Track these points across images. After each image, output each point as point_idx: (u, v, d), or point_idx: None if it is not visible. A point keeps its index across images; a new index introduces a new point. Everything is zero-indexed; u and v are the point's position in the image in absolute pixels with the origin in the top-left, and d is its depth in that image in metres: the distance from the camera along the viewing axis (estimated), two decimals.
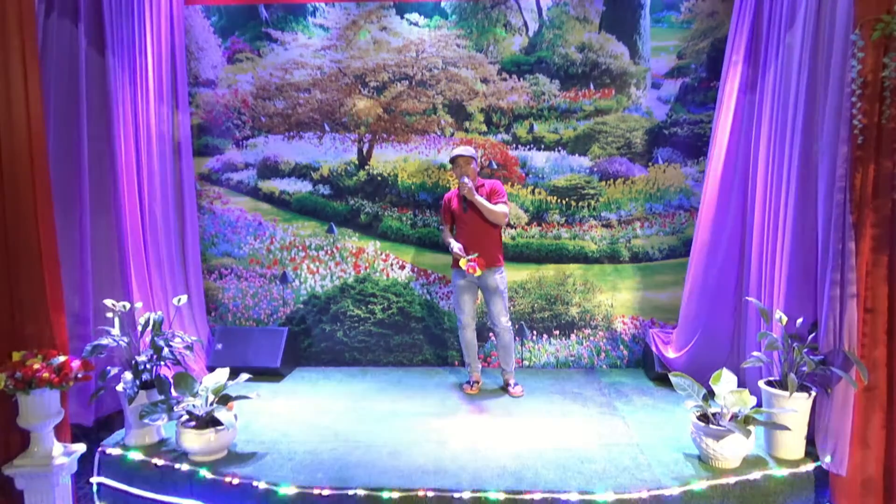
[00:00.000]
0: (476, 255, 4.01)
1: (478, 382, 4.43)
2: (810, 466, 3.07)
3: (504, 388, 4.38)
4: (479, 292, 4.35)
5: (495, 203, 4.10)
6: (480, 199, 4.05)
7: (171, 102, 4.49)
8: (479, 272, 3.99)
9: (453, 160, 4.18)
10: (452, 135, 4.94)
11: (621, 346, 4.96)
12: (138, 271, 3.92)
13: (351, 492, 2.95)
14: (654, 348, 4.55)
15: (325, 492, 2.96)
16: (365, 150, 5.01)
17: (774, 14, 3.63)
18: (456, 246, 4.12)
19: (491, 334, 4.90)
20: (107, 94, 3.76)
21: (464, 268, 3.99)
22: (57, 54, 3.43)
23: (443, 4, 4.83)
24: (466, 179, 4.05)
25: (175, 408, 3.21)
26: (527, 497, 2.88)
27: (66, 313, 3.26)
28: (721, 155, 4.07)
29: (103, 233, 3.73)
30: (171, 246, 4.41)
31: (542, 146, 4.91)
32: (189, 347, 3.58)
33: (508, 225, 4.91)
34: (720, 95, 4.22)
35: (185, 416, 3.26)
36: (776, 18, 3.61)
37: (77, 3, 3.57)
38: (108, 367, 3.35)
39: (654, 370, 4.52)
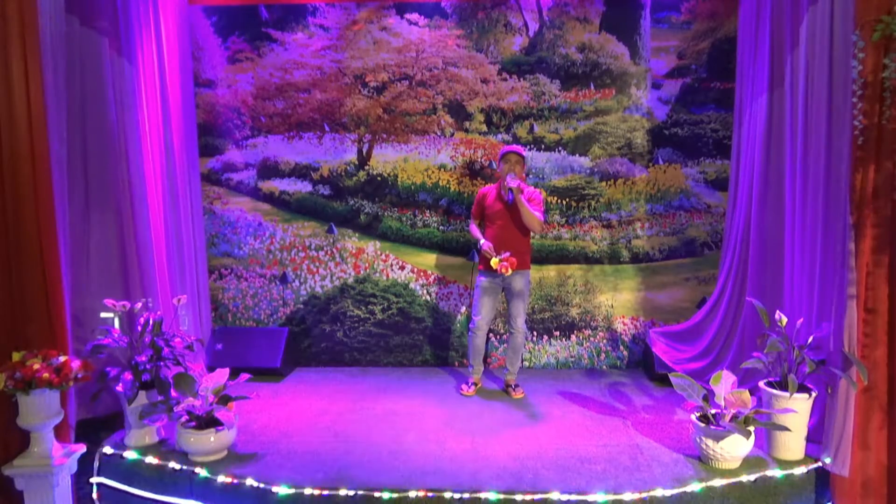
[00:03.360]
0: (508, 253, 3.95)
1: (476, 385, 4.41)
2: (810, 467, 3.07)
3: (505, 390, 4.37)
4: (502, 295, 4.30)
5: (533, 210, 4.05)
6: (524, 202, 3.99)
7: (180, 101, 4.49)
8: (510, 272, 3.95)
9: (504, 156, 4.11)
10: (452, 135, 4.93)
11: (621, 347, 4.96)
12: (147, 271, 3.93)
13: (351, 492, 2.95)
14: (655, 349, 4.54)
15: (325, 492, 2.96)
16: (365, 151, 5.01)
17: (784, 11, 3.64)
18: (486, 244, 4.06)
19: (491, 335, 4.90)
20: (119, 93, 3.76)
21: (495, 267, 3.92)
22: (68, 52, 3.39)
23: (443, 4, 4.83)
24: (515, 175, 4.00)
25: (175, 408, 3.21)
26: (527, 497, 2.88)
27: (69, 313, 3.26)
28: (748, 158, 4.10)
29: (115, 232, 3.72)
30: (182, 245, 4.41)
31: (543, 146, 4.90)
32: (189, 347, 3.58)
33: None
34: (738, 96, 4.26)
35: (185, 417, 3.26)
36: (787, 16, 3.62)
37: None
38: (108, 368, 3.35)
39: (654, 370, 4.52)
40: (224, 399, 3.33)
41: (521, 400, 4.21)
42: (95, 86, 3.61)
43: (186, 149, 4.57)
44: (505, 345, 4.84)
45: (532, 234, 4.27)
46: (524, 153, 4.17)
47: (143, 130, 3.91)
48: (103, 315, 3.40)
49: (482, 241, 4.12)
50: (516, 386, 4.33)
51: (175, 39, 4.44)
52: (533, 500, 2.88)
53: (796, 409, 3.08)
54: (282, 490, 2.99)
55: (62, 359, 2.97)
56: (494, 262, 3.93)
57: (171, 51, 4.37)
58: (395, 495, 2.93)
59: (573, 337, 4.98)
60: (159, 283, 3.97)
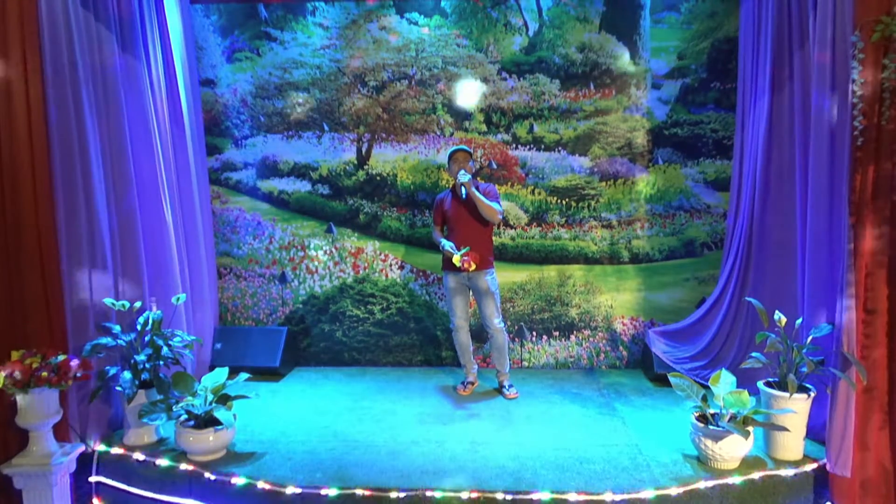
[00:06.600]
0: (468, 248, 3.97)
1: (472, 384, 4.42)
2: (809, 467, 3.08)
3: (498, 391, 4.37)
4: (471, 294, 4.33)
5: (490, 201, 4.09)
6: (477, 193, 4.03)
7: (188, 99, 4.48)
8: (473, 266, 3.96)
9: (451, 155, 4.19)
10: (452, 134, 4.93)
11: (621, 347, 4.96)
12: (151, 269, 3.94)
13: (350, 491, 2.95)
14: (654, 349, 4.54)
15: (324, 491, 2.96)
16: (364, 150, 5.01)
17: (786, 11, 3.64)
18: (448, 244, 4.08)
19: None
20: (126, 89, 3.76)
21: (458, 264, 3.94)
22: (75, 48, 3.37)
23: (443, 4, 4.82)
24: (465, 172, 4.04)
25: (174, 407, 3.21)
26: (526, 497, 2.88)
27: (69, 312, 3.25)
28: (751, 158, 4.09)
29: (120, 230, 3.71)
30: (190, 244, 4.42)
31: (543, 146, 4.90)
32: (189, 346, 3.58)
33: (508, 225, 4.91)
34: (740, 97, 4.26)
35: (185, 416, 3.26)
36: (789, 16, 3.62)
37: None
38: (108, 367, 3.35)
39: (653, 371, 4.52)
40: (223, 398, 3.33)
41: (520, 400, 4.21)
42: (102, 82, 3.60)
43: (194, 146, 4.56)
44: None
45: (494, 227, 4.37)
46: (470, 149, 4.22)
47: (151, 128, 3.91)
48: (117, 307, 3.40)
49: (443, 242, 4.13)
50: (510, 386, 4.31)
51: (180, 38, 4.44)
52: (532, 500, 2.88)
53: (795, 410, 3.08)
54: (281, 489, 2.99)
55: (61, 358, 2.97)
56: (456, 258, 3.96)
57: (178, 49, 4.36)
58: (393, 495, 2.92)
59: (573, 337, 4.98)
60: (164, 282, 3.98)
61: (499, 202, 4.14)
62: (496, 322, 4.19)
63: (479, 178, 4.80)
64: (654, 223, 4.87)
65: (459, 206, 4.15)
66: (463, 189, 4.03)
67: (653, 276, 4.90)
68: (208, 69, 4.97)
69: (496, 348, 4.27)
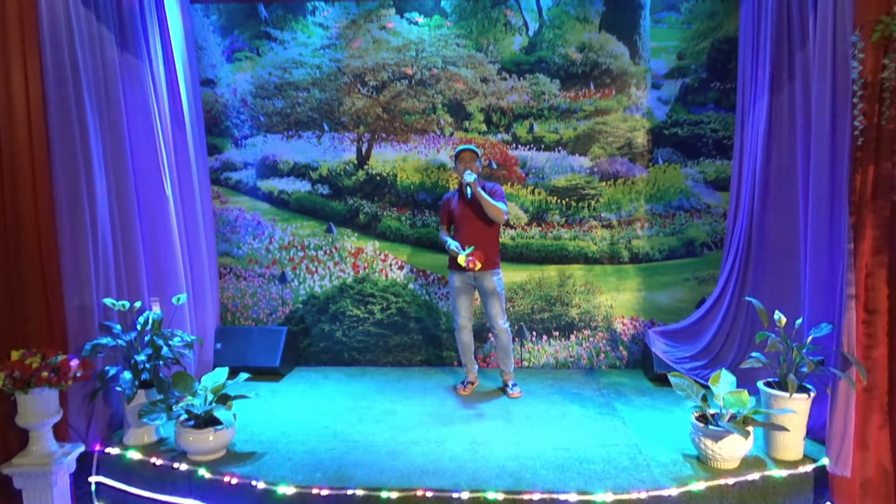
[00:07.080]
0: (473, 247, 3.97)
1: (472, 384, 4.42)
2: (809, 467, 3.07)
3: (503, 389, 4.38)
4: (476, 294, 4.34)
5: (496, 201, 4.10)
6: (483, 193, 4.03)
7: (189, 98, 4.48)
8: (478, 266, 3.96)
9: (458, 155, 4.17)
10: (452, 134, 4.93)
11: (621, 347, 4.96)
12: (153, 269, 3.95)
13: (349, 491, 2.95)
14: (653, 349, 4.54)
15: (324, 491, 2.96)
16: (364, 150, 5.01)
17: (786, 11, 3.64)
18: (453, 244, 4.09)
19: (490, 335, 4.89)
20: (127, 88, 3.76)
21: (463, 263, 3.95)
22: (77, 47, 3.36)
23: (443, 3, 4.82)
24: (471, 171, 4.04)
25: (174, 407, 3.21)
26: (525, 497, 2.88)
27: (69, 312, 3.25)
28: (751, 158, 4.08)
29: (122, 229, 3.71)
30: (191, 243, 4.42)
31: (542, 146, 4.90)
32: (189, 346, 3.58)
33: (508, 225, 4.91)
34: (740, 97, 4.26)
35: (184, 416, 3.26)
36: (790, 16, 3.62)
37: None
38: (108, 367, 3.34)
39: (653, 371, 4.52)
40: (223, 398, 3.33)
41: (519, 399, 4.21)
42: (103, 81, 3.60)
43: (195, 146, 4.56)
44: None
45: (501, 228, 4.37)
46: (476, 149, 4.21)
47: (152, 127, 3.90)
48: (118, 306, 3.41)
49: (449, 242, 4.14)
50: (514, 385, 4.33)
51: (181, 37, 4.44)
52: (532, 499, 2.88)
53: (795, 410, 3.08)
54: (280, 489, 2.99)
55: (61, 358, 2.97)
56: (461, 258, 3.96)
57: (178, 48, 4.36)
58: (393, 495, 2.92)
59: (573, 337, 4.98)
60: (165, 282, 3.98)
61: (505, 202, 4.13)
62: (501, 323, 4.20)
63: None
64: (654, 223, 4.87)
65: (465, 206, 4.15)
66: (468, 189, 4.04)
67: (653, 276, 4.90)
68: (208, 69, 4.97)
69: (501, 349, 4.28)
